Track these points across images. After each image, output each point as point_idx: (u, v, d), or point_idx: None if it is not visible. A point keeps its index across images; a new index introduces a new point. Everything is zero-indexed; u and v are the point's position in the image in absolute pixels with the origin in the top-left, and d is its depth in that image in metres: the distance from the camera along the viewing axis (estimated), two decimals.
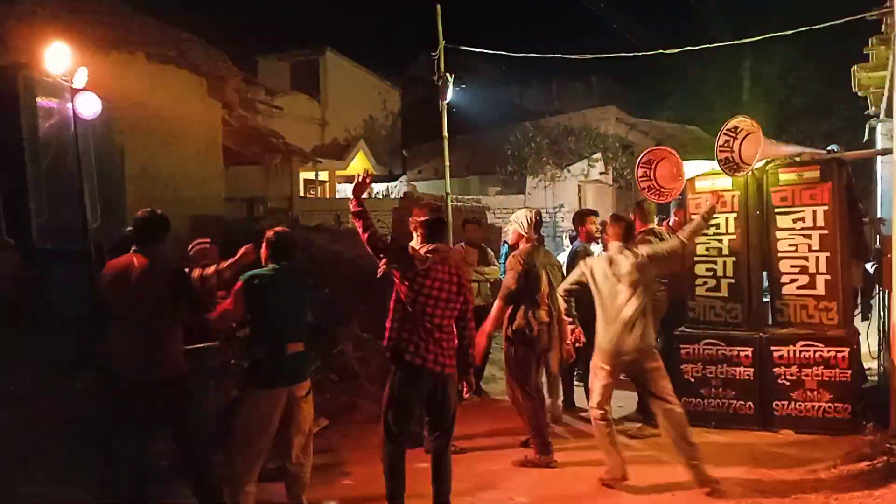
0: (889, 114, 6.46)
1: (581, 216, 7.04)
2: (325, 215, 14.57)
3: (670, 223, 7.39)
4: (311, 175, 20.35)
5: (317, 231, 12.03)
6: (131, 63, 8.86)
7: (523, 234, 5.68)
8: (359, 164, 21.96)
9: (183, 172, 9.84)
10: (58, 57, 5.39)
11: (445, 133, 9.32)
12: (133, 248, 4.18)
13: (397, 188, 21.24)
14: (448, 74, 8.99)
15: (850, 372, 5.96)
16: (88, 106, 5.84)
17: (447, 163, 9.62)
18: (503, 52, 9.70)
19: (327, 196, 20.82)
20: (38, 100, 5.86)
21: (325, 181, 21.32)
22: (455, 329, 4.42)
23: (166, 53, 9.34)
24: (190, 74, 10.09)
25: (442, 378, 4.32)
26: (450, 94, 9.17)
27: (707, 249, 6.63)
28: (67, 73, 5.45)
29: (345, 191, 21.69)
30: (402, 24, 25.51)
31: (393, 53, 26.17)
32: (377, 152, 22.80)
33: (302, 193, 19.29)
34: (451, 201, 10.11)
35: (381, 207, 14.22)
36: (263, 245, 4.34)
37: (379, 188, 21.75)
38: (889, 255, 6.09)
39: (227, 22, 16.40)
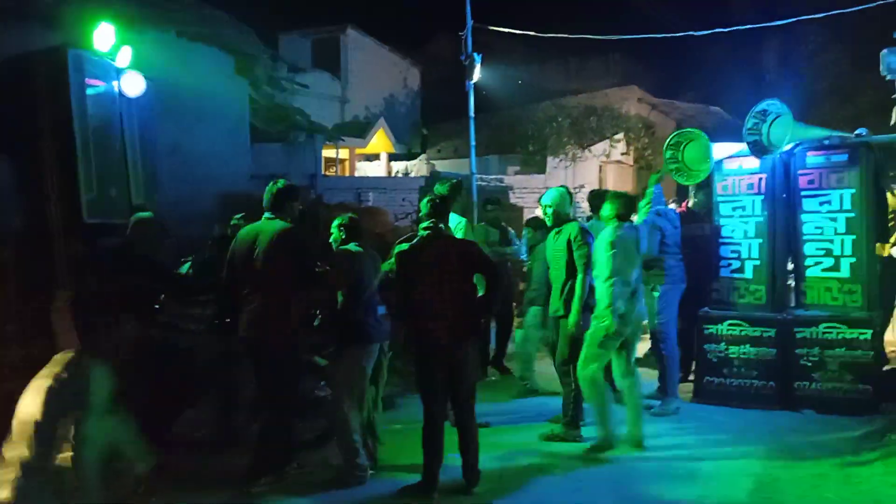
0: None
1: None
2: (346, 193, 14.68)
3: (689, 205, 7.43)
4: (331, 153, 20.43)
5: (339, 209, 12.15)
6: (162, 41, 8.97)
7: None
8: (379, 142, 22.02)
9: (211, 150, 9.99)
10: (104, 36, 5.55)
11: (472, 113, 9.38)
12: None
13: (416, 167, 21.29)
14: (475, 54, 9.03)
15: (871, 354, 6.04)
16: (134, 85, 6.04)
17: (472, 143, 9.70)
18: (530, 33, 9.69)
19: (347, 174, 20.91)
20: (87, 79, 5.98)
21: (346, 159, 21.40)
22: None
23: (198, 30, 9.44)
24: (219, 52, 10.19)
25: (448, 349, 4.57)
26: (476, 74, 9.21)
27: (732, 231, 6.71)
28: (112, 51, 5.61)
29: (364, 169, 21.75)
30: (422, 1, 25.34)
31: (413, 31, 26.06)
32: (397, 130, 22.80)
33: (323, 171, 19.41)
34: (475, 181, 10.20)
35: (404, 186, 14.33)
36: (338, 229, 4.97)
37: (398, 167, 21.81)
38: None
39: None
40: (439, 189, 5.72)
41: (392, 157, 22.51)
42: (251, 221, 5.18)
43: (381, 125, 21.73)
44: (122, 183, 6.43)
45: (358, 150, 21.51)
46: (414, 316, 4.58)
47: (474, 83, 9.52)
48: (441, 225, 4.71)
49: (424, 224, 4.66)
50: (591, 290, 5.46)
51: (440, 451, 4.52)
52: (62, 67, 5.56)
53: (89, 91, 5.92)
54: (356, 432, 4.76)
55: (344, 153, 21.15)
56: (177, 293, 5.22)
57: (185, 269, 5.07)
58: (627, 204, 5.62)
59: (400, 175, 20.44)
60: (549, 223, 5.78)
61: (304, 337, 5.02)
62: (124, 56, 5.87)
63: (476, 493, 4.55)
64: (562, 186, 6.18)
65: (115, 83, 6.22)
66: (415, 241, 4.65)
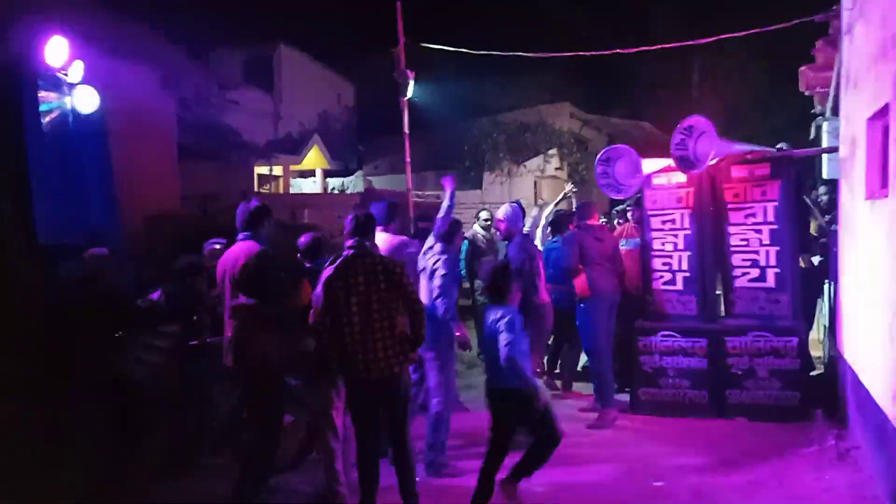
0: (835, 113, 6.73)
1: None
2: (281, 210, 14.40)
3: (628, 219, 7.62)
4: (265, 170, 20.09)
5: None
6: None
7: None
8: (314, 158, 21.77)
9: (137, 169, 9.64)
10: (56, 50, 5.41)
11: (406, 129, 9.33)
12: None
13: (353, 183, 21.12)
14: (408, 71, 8.99)
15: (798, 361, 6.22)
16: (87, 101, 5.91)
17: (408, 159, 9.65)
18: (462, 50, 9.73)
19: (282, 191, 20.57)
20: (40, 94, 5.76)
21: (280, 176, 21.07)
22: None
23: (120, 46, 9.12)
24: (143, 68, 9.87)
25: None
26: (410, 91, 9.17)
27: (664, 244, 6.83)
28: (64, 66, 5.49)
29: (299, 186, 21.46)
30: (355, 18, 25.26)
31: (347, 47, 25.93)
32: (332, 147, 22.61)
33: (256, 188, 19.02)
34: (412, 197, 10.13)
35: (340, 203, 14.16)
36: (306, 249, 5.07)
37: (334, 183, 21.60)
38: (835, 249, 6.38)
39: (177, 12, 16.03)
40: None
41: (328, 174, 22.29)
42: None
43: (315, 141, 21.50)
44: (79, 203, 6.20)
45: (292, 167, 21.21)
46: (341, 344, 4.25)
47: (410, 99, 9.49)
48: (366, 243, 4.40)
49: (349, 243, 4.40)
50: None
51: (376, 478, 4.38)
52: (13, 83, 5.34)
53: (42, 107, 5.76)
54: (337, 459, 4.63)
55: (278, 170, 20.82)
56: (144, 324, 5.05)
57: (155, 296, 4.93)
58: None
59: (336, 192, 20.23)
60: (501, 237, 5.93)
61: (286, 358, 4.78)
62: (76, 71, 5.70)
63: None
64: (515, 202, 6.50)
65: (67, 99, 6.07)
66: (338, 261, 4.35)
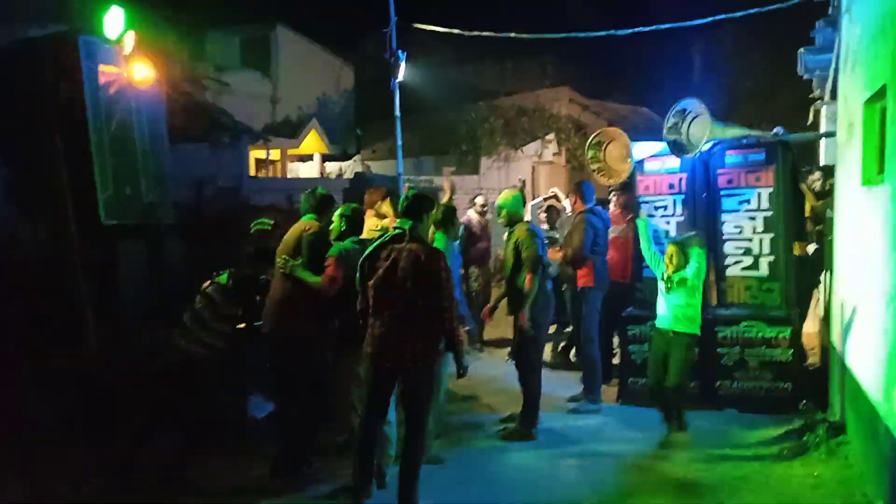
0: (833, 97, 6.54)
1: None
2: (277, 195, 14.24)
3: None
4: (262, 154, 19.89)
5: (268, 211, 11.75)
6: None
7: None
8: (311, 142, 21.56)
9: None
10: (113, 20, 5.40)
11: (398, 112, 9.18)
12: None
13: (351, 168, 20.93)
14: (400, 52, 8.82)
15: (791, 352, 6.08)
16: (143, 73, 5.84)
17: (399, 142, 9.50)
18: (456, 31, 9.53)
19: (279, 175, 20.39)
20: (99, 68, 5.65)
21: (277, 160, 20.88)
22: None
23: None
24: None
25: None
26: (402, 73, 9.00)
27: (655, 232, 6.66)
28: (119, 37, 5.45)
29: (296, 170, 21.31)
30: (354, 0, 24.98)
31: (346, 30, 25.61)
32: (330, 131, 22.35)
33: (253, 173, 18.83)
34: (405, 182, 10.00)
35: (335, 187, 13.98)
36: (340, 218, 4.82)
37: (332, 167, 21.40)
38: (830, 237, 6.22)
39: None
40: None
41: (326, 158, 22.07)
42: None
43: (313, 125, 21.26)
44: (135, 180, 6.11)
45: (290, 151, 20.98)
46: (369, 326, 4.17)
47: (406, 83, 9.37)
48: (415, 226, 4.20)
49: (396, 224, 4.31)
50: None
51: (369, 463, 4.28)
52: (72, 55, 5.15)
53: (102, 82, 5.64)
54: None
55: (275, 154, 20.62)
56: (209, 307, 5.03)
57: (223, 279, 4.97)
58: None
59: (333, 176, 20.04)
60: (502, 224, 5.90)
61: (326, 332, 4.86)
62: (129, 42, 5.62)
63: None
64: (515, 188, 6.38)
65: (123, 72, 5.93)
66: (377, 242, 4.23)
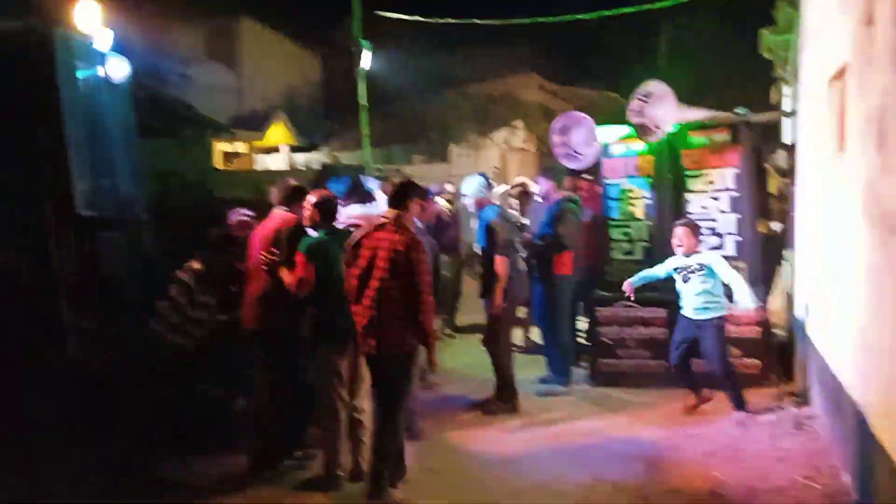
0: (795, 76, 6.61)
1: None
2: (244, 187, 14.06)
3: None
4: (229, 147, 19.64)
5: (235, 205, 11.60)
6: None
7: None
8: (278, 134, 21.34)
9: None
10: (87, 15, 5.41)
11: (363, 102, 9.09)
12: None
13: (319, 159, 20.75)
14: (364, 40, 8.72)
15: (758, 329, 6.15)
16: (119, 69, 5.89)
17: (366, 131, 9.42)
18: (419, 18, 9.46)
19: (246, 168, 20.15)
20: (75, 63, 5.66)
21: (244, 153, 20.64)
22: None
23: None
24: None
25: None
26: (367, 61, 8.91)
27: (623, 214, 6.70)
28: (95, 33, 5.53)
29: (264, 162, 21.11)
30: None
31: (312, 20, 25.34)
32: (298, 123, 22.15)
33: (220, 166, 18.58)
34: (372, 171, 9.92)
35: (301, 180, 13.80)
36: (311, 209, 4.49)
37: (300, 159, 21.21)
38: (794, 215, 6.29)
39: None
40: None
41: (294, 150, 21.88)
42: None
43: (280, 117, 21.05)
44: (111, 173, 6.09)
45: (257, 144, 20.76)
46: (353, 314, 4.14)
47: (375, 73, 9.31)
48: (401, 214, 4.14)
49: (383, 213, 4.26)
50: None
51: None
52: (48, 50, 5.15)
53: (78, 75, 5.61)
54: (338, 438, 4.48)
55: (242, 147, 20.39)
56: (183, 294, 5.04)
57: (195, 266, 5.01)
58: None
59: (303, 168, 19.86)
60: (472, 210, 5.93)
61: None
62: (107, 38, 5.69)
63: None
64: (480, 174, 6.28)
65: (99, 68, 5.95)
66: (366, 230, 4.18)
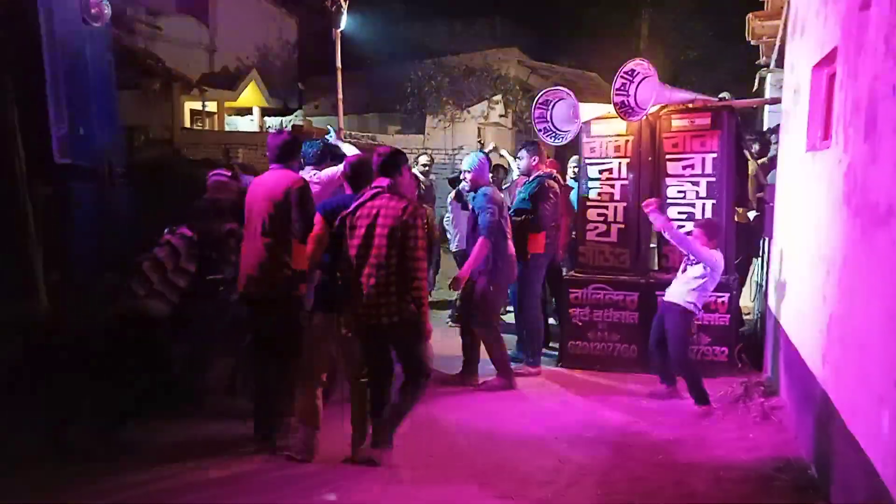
0: (779, 64, 6.52)
1: None
2: (213, 149, 13.66)
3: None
4: (198, 105, 19.07)
5: (203, 165, 11.25)
6: None
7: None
8: (251, 95, 20.78)
9: None
10: None
11: (339, 64, 8.78)
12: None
13: (292, 123, 20.29)
14: (340, 0, 8.41)
15: (728, 317, 6.12)
16: (99, 12, 5.76)
17: (340, 95, 9.11)
18: None
19: (216, 128, 19.62)
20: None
21: (214, 112, 20.07)
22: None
23: None
24: None
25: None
26: (343, 22, 8.60)
27: (599, 195, 6.59)
28: None
29: (234, 123, 20.59)
30: None
31: None
32: (272, 84, 21.56)
33: (188, 125, 18.06)
34: (347, 138, 9.64)
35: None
36: (346, 170, 4.49)
37: (272, 122, 20.72)
38: (772, 204, 6.24)
39: None
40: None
41: (266, 113, 21.35)
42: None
43: (252, 77, 20.44)
44: (87, 121, 5.90)
45: (228, 104, 20.17)
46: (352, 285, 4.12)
47: (352, 38, 9.01)
48: (393, 182, 4.13)
49: (375, 182, 4.16)
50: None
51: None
52: None
53: (57, 16, 5.42)
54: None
55: (212, 106, 19.81)
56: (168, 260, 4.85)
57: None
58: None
59: (273, 130, 19.39)
60: (466, 188, 5.96)
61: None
62: None
63: None
64: (480, 151, 6.27)
65: (77, 8, 5.77)
66: (362, 199, 4.13)
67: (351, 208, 4.13)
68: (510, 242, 5.81)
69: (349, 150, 5.81)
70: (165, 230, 4.93)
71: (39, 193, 5.32)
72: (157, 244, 4.81)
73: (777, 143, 6.50)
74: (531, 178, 6.34)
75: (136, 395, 4.56)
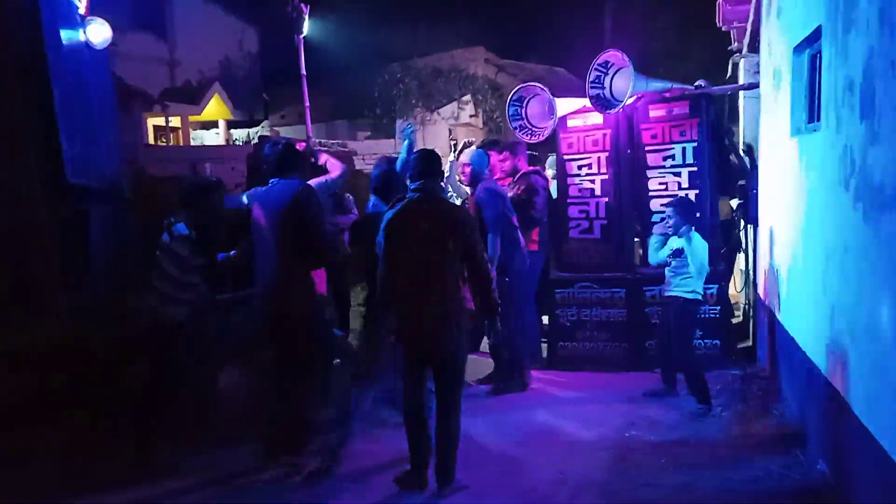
0: (753, 48, 6.42)
1: None
2: (179, 164, 13.30)
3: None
4: (161, 121, 18.67)
5: (169, 182, 10.90)
6: None
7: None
8: (215, 108, 20.41)
9: None
10: None
11: (304, 71, 8.48)
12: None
13: (259, 134, 19.94)
14: (302, 5, 8.14)
15: (718, 308, 5.98)
16: (100, 34, 5.68)
17: (307, 103, 8.82)
18: None
19: (181, 143, 19.22)
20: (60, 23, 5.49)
21: (178, 128, 19.66)
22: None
23: None
24: None
25: None
26: (306, 28, 8.34)
27: (580, 191, 6.43)
28: None
29: (200, 137, 20.22)
30: None
31: None
32: (236, 96, 21.21)
33: (152, 141, 17.65)
34: (314, 146, 9.37)
35: (239, 155, 13.19)
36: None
37: (239, 134, 20.35)
38: (755, 192, 6.12)
39: None
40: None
41: (231, 125, 20.97)
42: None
43: (215, 90, 20.08)
44: (94, 143, 5.82)
45: (192, 118, 19.78)
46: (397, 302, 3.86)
47: (317, 45, 8.75)
48: (434, 186, 3.91)
49: (413, 185, 3.89)
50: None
51: (420, 439, 3.91)
52: (34, 9, 4.96)
53: (63, 36, 5.36)
54: None
55: (176, 121, 19.40)
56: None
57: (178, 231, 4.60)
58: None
59: (240, 143, 19.04)
60: (464, 183, 5.77)
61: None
62: (86, 1, 5.56)
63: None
64: (481, 148, 5.95)
65: (81, 31, 5.69)
66: (401, 204, 3.89)
67: (393, 215, 3.88)
68: (519, 233, 5.65)
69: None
70: (164, 233, 4.67)
71: (57, 215, 5.25)
72: (160, 248, 4.56)
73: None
74: (516, 178, 6.13)
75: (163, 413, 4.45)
